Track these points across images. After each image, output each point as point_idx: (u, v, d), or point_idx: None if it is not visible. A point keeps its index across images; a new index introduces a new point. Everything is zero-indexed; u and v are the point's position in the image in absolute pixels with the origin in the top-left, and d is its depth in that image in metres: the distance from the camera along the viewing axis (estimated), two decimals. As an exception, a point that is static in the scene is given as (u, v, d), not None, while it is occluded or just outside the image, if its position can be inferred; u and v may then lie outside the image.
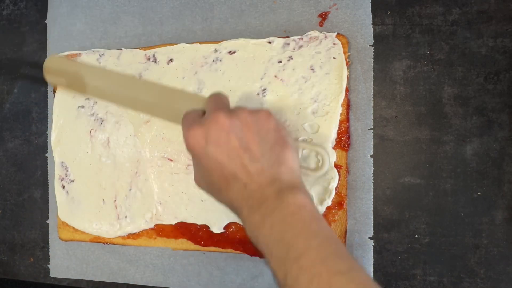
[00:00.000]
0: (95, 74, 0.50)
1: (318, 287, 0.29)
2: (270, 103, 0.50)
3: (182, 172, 0.53)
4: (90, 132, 0.56)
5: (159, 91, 0.46)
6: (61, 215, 0.58)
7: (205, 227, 0.52)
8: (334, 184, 0.48)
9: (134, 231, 0.55)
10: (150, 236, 0.54)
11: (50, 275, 0.61)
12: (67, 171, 0.57)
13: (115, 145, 0.55)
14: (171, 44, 0.54)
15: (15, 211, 0.64)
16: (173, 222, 0.53)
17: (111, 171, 0.55)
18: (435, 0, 0.48)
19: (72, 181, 0.57)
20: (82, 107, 0.57)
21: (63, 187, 0.58)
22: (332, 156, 0.48)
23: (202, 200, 0.52)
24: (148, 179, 0.54)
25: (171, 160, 0.53)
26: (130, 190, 0.55)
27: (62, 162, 0.58)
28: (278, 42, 0.50)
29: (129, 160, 0.55)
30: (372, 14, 0.50)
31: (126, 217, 0.55)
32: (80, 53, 0.57)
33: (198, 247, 0.53)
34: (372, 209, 0.49)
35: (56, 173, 0.58)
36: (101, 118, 0.56)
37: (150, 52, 0.55)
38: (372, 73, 0.49)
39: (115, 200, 0.55)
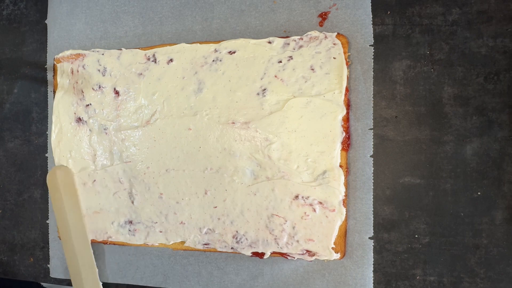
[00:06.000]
0: None
1: None
2: (270, 103, 0.50)
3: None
4: (90, 140, 0.56)
5: None
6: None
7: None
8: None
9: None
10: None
11: (50, 275, 0.62)
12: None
13: (116, 154, 0.56)
14: (171, 44, 0.54)
15: (15, 211, 0.64)
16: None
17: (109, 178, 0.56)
18: (435, 0, 0.48)
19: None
20: (80, 119, 0.57)
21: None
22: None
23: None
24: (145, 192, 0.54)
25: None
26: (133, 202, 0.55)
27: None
28: (278, 42, 0.50)
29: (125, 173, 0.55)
30: (372, 14, 0.50)
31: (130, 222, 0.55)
32: (84, 53, 0.57)
33: (198, 247, 0.53)
34: (372, 209, 0.49)
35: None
36: (103, 125, 0.56)
37: (150, 52, 0.55)
38: (372, 73, 0.49)
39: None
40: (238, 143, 0.51)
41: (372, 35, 0.49)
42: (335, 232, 0.48)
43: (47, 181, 0.57)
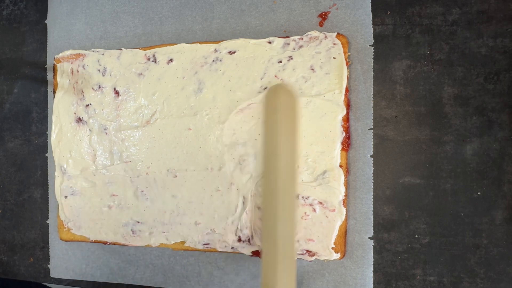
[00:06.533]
0: None
1: None
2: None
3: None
4: (90, 140, 0.56)
5: None
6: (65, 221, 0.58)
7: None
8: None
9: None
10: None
11: (50, 275, 0.61)
12: (68, 176, 0.57)
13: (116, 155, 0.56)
14: (171, 44, 0.54)
15: (15, 211, 0.64)
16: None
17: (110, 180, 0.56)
18: (435, 0, 0.48)
19: (72, 194, 0.57)
20: (80, 119, 0.57)
21: (66, 197, 0.58)
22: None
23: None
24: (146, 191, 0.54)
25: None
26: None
27: (62, 167, 0.58)
28: (278, 42, 0.50)
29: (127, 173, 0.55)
30: (372, 14, 0.50)
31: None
32: (84, 53, 0.57)
33: (198, 247, 0.53)
34: (372, 209, 0.49)
35: (56, 175, 0.58)
36: (103, 125, 0.56)
37: (150, 52, 0.55)
38: (372, 73, 0.49)
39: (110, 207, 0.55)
40: (238, 143, 0.51)
41: (372, 35, 0.49)
42: (335, 232, 0.48)
43: (264, 100, 0.40)
